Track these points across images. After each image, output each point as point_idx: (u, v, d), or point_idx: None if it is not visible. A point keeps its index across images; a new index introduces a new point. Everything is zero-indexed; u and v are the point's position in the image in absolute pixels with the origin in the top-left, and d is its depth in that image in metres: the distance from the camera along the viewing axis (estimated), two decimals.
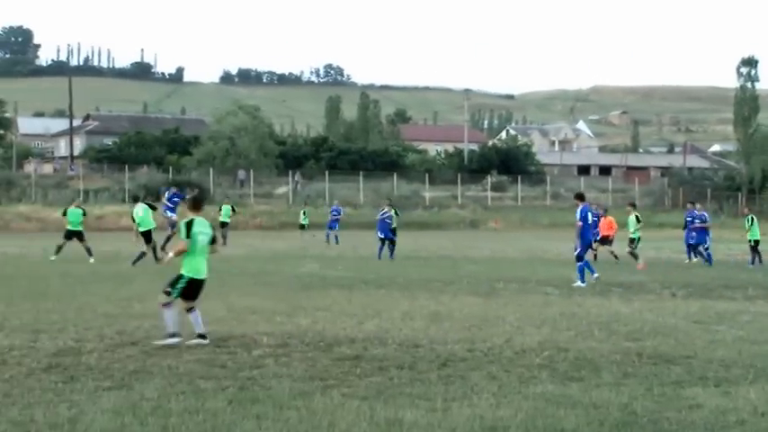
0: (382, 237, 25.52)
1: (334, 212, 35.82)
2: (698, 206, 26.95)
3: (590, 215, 17.94)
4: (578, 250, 17.41)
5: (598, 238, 25.56)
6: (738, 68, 68.97)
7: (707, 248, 24.62)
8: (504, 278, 18.41)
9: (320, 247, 31.06)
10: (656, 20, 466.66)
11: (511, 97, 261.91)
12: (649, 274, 20.40)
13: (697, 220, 25.45)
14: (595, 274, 17.86)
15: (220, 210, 32.99)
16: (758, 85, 69.22)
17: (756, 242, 24.95)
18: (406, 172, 68.78)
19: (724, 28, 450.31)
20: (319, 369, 8.21)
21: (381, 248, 25.36)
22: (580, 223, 17.37)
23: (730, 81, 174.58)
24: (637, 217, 24.98)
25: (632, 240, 24.21)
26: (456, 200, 63.34)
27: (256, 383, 7.52)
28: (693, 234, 25.28)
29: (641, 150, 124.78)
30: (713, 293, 15.95)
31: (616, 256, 24.66)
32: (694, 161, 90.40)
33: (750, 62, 68.56)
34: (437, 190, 64.75)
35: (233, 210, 33.58)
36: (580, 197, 18.08)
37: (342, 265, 21.94)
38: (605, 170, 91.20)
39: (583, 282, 17.14)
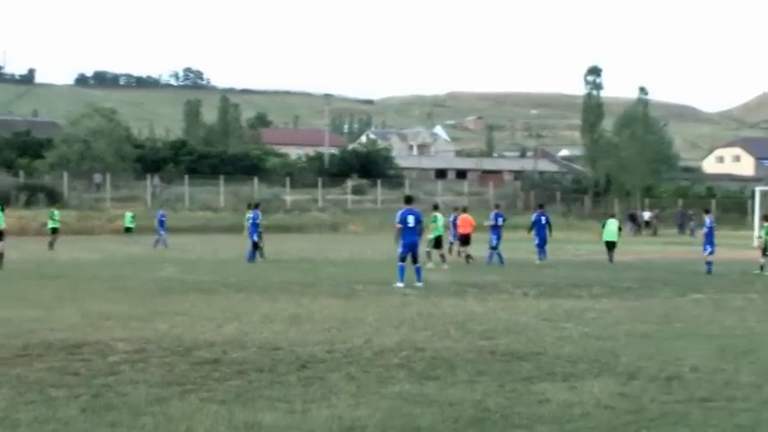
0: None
1: (161, 217, 36.14)
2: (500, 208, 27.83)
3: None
4: (401, 251, 17.69)
5: (455, 238, 26.46)
6: (585, 77, 72.70)
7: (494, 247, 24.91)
8: (363, 280, 18.57)
9: (176, 251, 30.31)
10: (507, 27, 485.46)
11: (370, 102, 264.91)
12: (503, 274, 21.15)
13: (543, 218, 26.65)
14: (399, 284, 17.13)
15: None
16: (602, 93, 73.20)
17: (608, 243, 26.61)
18: (266, 176, 68.16)
19: (571, 37, 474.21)
20: (177, 374, 7.99)
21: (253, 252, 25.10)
22: (399, 226, 17.67)
23: (577, 88, 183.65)
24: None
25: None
26: (317, 203, 63.34)
27: (111, 390, 7.24)
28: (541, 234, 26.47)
29: (495, 155, 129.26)
30: (562, 292, 16.72)
31: (469, 258, 25.39)
32: (545, 165, 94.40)
33: (595, 71, 72.35)
34: (298, 193, 64.54)
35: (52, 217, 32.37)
36: (408, 200, 18.51)
37: (173, 267, 21.57)
38: (461, 174, 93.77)
39: (402, 281, 17.25)
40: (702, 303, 15.00)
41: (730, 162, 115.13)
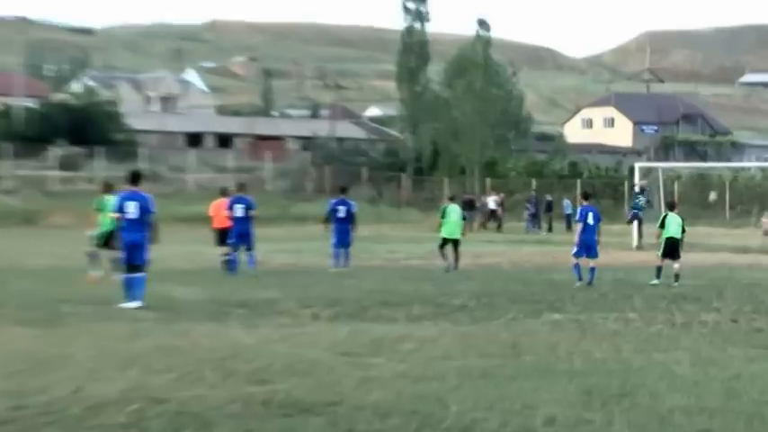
0: None
1: None
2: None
3: None
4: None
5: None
6: (404, 3, 74.14)
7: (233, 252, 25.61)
8: (73, 298, 18.15)
9: None
10: None
11: (89, 32, 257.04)
12: (284, 288, 21.28)
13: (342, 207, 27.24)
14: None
15: None
16: (428, 27, 75.07)
17: (446, 240, 27.30)
18: None
19: None
20: None
21: None
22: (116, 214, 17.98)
23: (393, 20, 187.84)
24: None
25: None
26: (1, 182, 61.08)
27: None
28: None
29: (275, 113, 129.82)
30: (368, 313, 17.04)
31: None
32: (346, 129, 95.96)
33: None
34: None
35: None
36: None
37: None
38: (225, 140, 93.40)
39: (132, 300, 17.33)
40: (563, 327, 15.81)
41: (601, 127, 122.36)
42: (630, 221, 40.99)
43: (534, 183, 65.99)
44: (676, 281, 23.64)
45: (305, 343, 13.46)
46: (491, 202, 58.93)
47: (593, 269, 23.74)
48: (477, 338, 14.24)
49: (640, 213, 40.07)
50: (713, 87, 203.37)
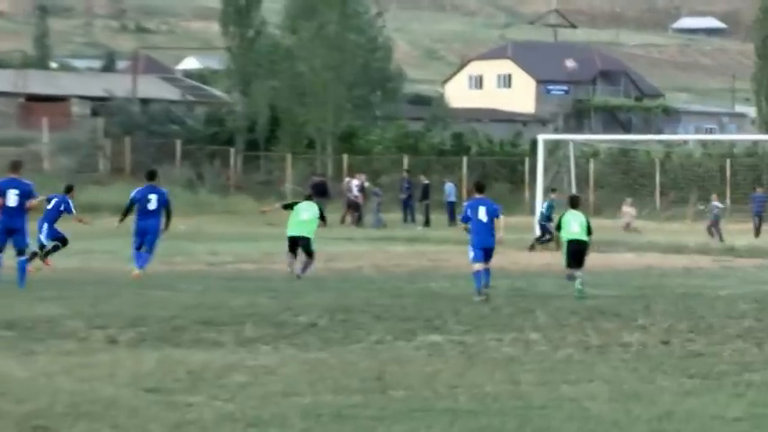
0: None
1: None
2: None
3: None
4: None
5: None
6: None
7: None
8: None
9: None
10: None
11: None
12: (68, 301, 21.06)
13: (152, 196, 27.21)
14: None
15: None
16: None
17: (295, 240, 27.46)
18: None
19: None
20: None
21: None
22: None
23: None
24: None
25: None
26: None
27: None
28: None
29: (54, 65, 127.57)
30: (184, 336, 17.00)
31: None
32: (153, 88, 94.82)
33: None
34: None
35: None
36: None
37: None
38: None
39: None
40: (444, 352, 16.02)
41: (495, 86, 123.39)
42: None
43: (406, 161, 66.23)
44: (580, 295, 24.13)
45: (98, 376, 13.36)
46: (354, 186, 58.06)
47: (486, 271, 24.05)
48: (331, 368, 14.33)
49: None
50: (640, 35, 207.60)
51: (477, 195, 25.26)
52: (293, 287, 25.07)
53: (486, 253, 24.20)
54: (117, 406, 11.63)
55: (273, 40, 77.75)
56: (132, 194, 28.04)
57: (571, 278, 24.97)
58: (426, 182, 59.17)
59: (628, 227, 50.29)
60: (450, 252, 36.51)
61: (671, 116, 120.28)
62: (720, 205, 49.42)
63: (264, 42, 75.50)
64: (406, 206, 57.91)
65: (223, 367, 14.17)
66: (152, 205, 27.44)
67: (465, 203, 26.00)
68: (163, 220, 27.63)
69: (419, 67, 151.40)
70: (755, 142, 72.75)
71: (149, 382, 13.02)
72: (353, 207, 56.98)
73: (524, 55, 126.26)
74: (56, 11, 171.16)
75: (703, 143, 74.23)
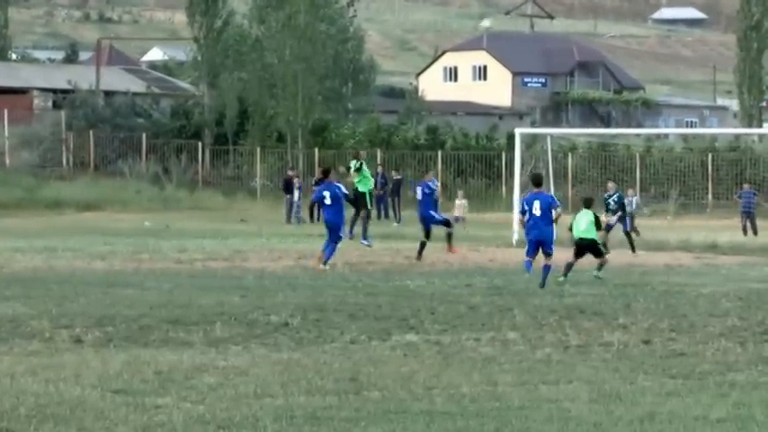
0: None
1: None
2: None
3: None
4: None
5: None
6: None
7: None
8: None
9: None
10: None
11: None
12: (32, 300, 21.05)
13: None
14: None
15: None
16: None
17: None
18: None
19: None
20: None
21: None
22: None
23: None
24: None
25: None
26: None
27: None
28: None
29: (14, 55, 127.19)
30: (152, 336, 17.04)
31: None
32: (119, 80, 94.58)
33: None
34: None
35: None
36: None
37: None
38: None
39: None
40: (420, 352, 16.06)
41: (470, 79, 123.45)
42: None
43: (380, 155, 66.23)
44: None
45: (63, 377, 13.37)
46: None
47: (546, 267, 25.73)
48: (304, 369, 14.36)
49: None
50: (619, 26, 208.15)
51: (535, 189, 27.10)
52: (264, 285, 25.07)
53: (540, 246, 26.23)
54: (83, 408, 11.65)
55: (241, 30, 77.74)
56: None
57: (568, 268, 26.37)
58: (398, 177, 59.10)
59: (457, 221, 50.39)
60: (426, 249, 36.52)
61: (651, 109, 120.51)
62: (637, 199, 49.53)
63: (232, 33, 75.50)
64: (381, 202, 57.83)
65: (192, 368, 14.20)
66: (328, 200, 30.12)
67: (522, 198, 27.45)
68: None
69: (392, 59, 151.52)
70: (738, 136, 72.97)
71: (116, 384, 13.04)
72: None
73: (500, 46, 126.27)
74: (16, 0, 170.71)
75: (684, 137, 74.34)
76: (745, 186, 52.11)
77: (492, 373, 14.32)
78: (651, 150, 69.15)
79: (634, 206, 47.52)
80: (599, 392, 13.09)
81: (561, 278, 25.98)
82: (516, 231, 41.77)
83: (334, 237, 30.47)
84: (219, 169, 71.98)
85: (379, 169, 60.11)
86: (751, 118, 79.26)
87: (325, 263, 29.54)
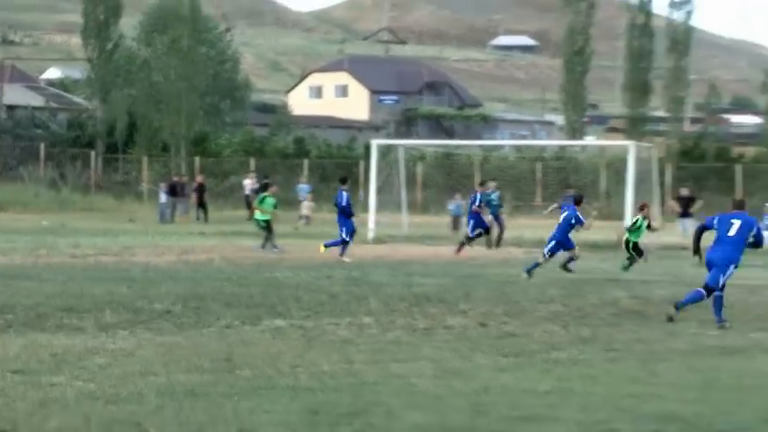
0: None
1: None
2: None
3: None
4: None
5: None
6: None
7: None
8: None
9: None
10: None
11: None
12: None
13: None
14: None
15: None
16: None
17: None
18: None
19: None
20: None
21: None
22: None
23: None
24: None
25: None
26: None
27: None
28: None
29: None
30: (47, 322, 16.76)
31: None
32: (18, 95, 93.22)
33: None
34: None
35: None
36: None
37: None
38: None
39: None
40: (286, 335, 16.06)
41: (333, 96, 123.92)
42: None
43: (253, 162, 66.21)
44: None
45: None
46: (247, 186, 57.87)
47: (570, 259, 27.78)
48: (184, 350, 14.29)
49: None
50: (462, 51, 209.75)
51: (343, 191, 27.05)
52: (149, 277, 24.86)
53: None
54: None
55: (131, 52, 77.21)
56: None
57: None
58: (267, 182, 58.80)
59: (307, 220, 50.79)
60: (293, 245, 36.53)
61: (489, 123, 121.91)
62: (461, 202, 50.15)
63: (122, 54, 74.82)
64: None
65: (84, 350, 14.06)
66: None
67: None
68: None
69: (264, 78, 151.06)
70: (563, 147, 74.00)
71: (15, 365, 12.86)
72: (202, 208, 56.68)
73: (359, 68, 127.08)
74: None
75: (517, 148, 75.25)
76: (570, 191, 52.70)
77: (349, 353, 14.36)
78: (489, 159, 69.76)
79: (454, 208, 48.19)
80: (441, 369, 13.20)
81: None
82: (372, 230, 42.08)
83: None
84: (110, 175, 71.42)
85: (251, 175, 59.89)
86: (574, 131, 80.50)
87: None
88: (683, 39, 79.50)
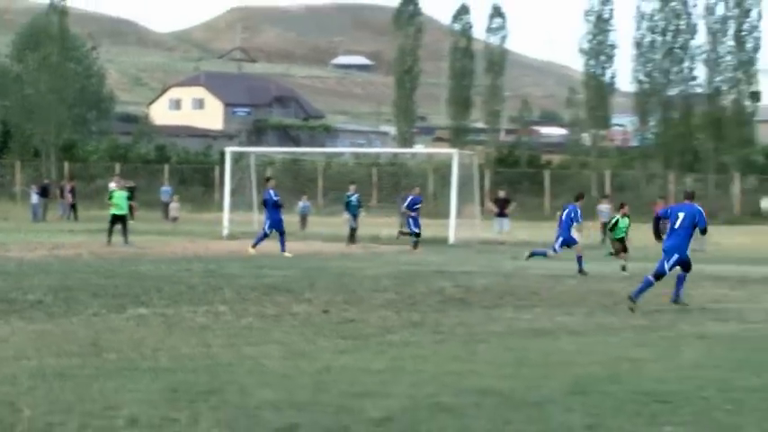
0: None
1: None
2: None
3: None
4: None
5: None
6: None
7: None
8: None
9: None
10: None
11: None
12: None
13: None
14: None
15: None
16: None
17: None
18: None
19: None
20: None
21: None
22: None
23: None
24: None
25: None
26: None
27: None
28: None
29: None
30: None
31: None
32: None
33: None
34: None
35: None
36: None
37: None
38: None
39: None
40: (148, 322, 15.87)
41: (191, 108, 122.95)
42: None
43: (118, 167, 65.49)
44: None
45: None
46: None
47: (578, 258, 27.07)
48: (54, 337, 14.02)
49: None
50: (306, 69, 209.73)
51: (576, 203, 27.95)
52: (23, 271, 24.33)
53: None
54: None
55: (4, 67, 75.69)
56: None
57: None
58: (132, 185, 58.31)
59: (175, 220, 50.80)
60: (154, 242, 36.15)
61: (331, 133, 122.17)
62: (308, 203, 50.62)
63: None
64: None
65: None
66: None
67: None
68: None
69: (128, 92, 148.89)
70: (395, 154, 74.65)
71: None
72: (72, 206, 55.89)
73: (214, 83, 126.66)
74: None
75: (356, 155, 75.42)
76: (407, 192, 53.23)
77: (206, 337, 14.26)
78: (331, 164, 69.90)
79: (303, 209, 48.51)
80: (289, 351, 13.19)
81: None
82: (226, 227, 41.88)
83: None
84: None
85: (116, 178, 59.06)
86: (405, 140, 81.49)
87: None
88: (498, 60, 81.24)
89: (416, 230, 35.19)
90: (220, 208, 45.04)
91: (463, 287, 22.15)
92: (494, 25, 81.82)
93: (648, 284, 18.89)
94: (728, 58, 69.00)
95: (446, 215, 41.83)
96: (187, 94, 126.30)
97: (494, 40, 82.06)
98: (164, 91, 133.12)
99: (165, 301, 18.62)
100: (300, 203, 50.19)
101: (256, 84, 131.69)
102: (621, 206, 29.63)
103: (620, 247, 28.26)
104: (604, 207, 42.68)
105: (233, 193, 43.73)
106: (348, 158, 73.33)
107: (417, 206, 35.69)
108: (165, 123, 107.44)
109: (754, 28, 68.77)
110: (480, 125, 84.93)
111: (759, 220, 55.05)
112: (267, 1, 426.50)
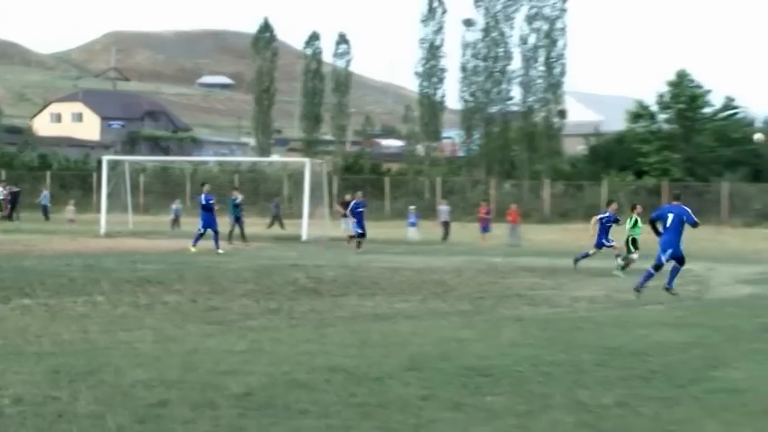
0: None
1: None
2: None
3: None
4: None
5: None
6: None
7: None
8: None
9: None
10: None
11: None
12: None
13: None
14: None
15: None
16: None
17: None
18: None
19: None
20: None
21: None
22: None
23: None
24: None
25: None
26: None
27: None
28: None
29: None
30: None
31: None
32: None
33: None
34: None
35: None
36: None
37: None
38: None
39: None
40: (32, 311, 15.44)
41: (70, 121, 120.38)
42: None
43: (4, 174, 63.81)
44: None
45: None
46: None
47: (583, 255, 26.35)
48: None
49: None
50: (175, 87, 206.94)
51: (609, 209, 26.77)
52: None
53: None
54: None
55: None
56: None
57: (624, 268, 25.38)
58: (17, 189, 56.69)
59: (71, 222, 50.14)
60: (38, 240, 35.21)
61: (197, 144, 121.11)
62: (180, 206, 50.27)
63: None
64: (13, 207, 55.18)
65: None
66: None
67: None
68: None
69: (12, 107, 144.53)
70: (254, 162, 74.25)
71: None
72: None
73: (91, 99, 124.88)
74: None
75: (219, 163, 74.65)
76: (276, 199, 53.27)
77: (85, 324, 13.93)
78: (197, 171, 69.05)
79: (176, 210, 48.03)
80: (160, 336, 13.00)
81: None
82: (103, 226, 41.05)
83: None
84: None
85: (3, 184, 57.39)
86: (263, 150, 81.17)
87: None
88: (344, 81, 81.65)
89: (360, 231, 34.79)
90: (98, 210, 44.25)
91: (314, 278, 22.15)
92: (340, 50, 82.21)
93: (650, 276, 19.11)
94: (540, 81, 70.51)
95: (299, 216, 41.76)
96: (67, 108, 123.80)
97: (340, 63, 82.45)
98: (45, 106, 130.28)
99: (47, 292, 18.14)
100: (173, 206, 49.65)
101: (129, 100, 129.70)
102: (633, 207, 26.86)
103: (625, 247, 26.03)
104: (444, 207, 43.53)
105: (109, 196, 43.02)
106: (212, 166, 72.56)
107: (360, 210, 35.20)
108: (47, 135, 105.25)
109: (561, 56, 70.44)
110: (329, 137, 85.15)
111: (566, 220, 56.30)
112: (139, 26, 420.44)
